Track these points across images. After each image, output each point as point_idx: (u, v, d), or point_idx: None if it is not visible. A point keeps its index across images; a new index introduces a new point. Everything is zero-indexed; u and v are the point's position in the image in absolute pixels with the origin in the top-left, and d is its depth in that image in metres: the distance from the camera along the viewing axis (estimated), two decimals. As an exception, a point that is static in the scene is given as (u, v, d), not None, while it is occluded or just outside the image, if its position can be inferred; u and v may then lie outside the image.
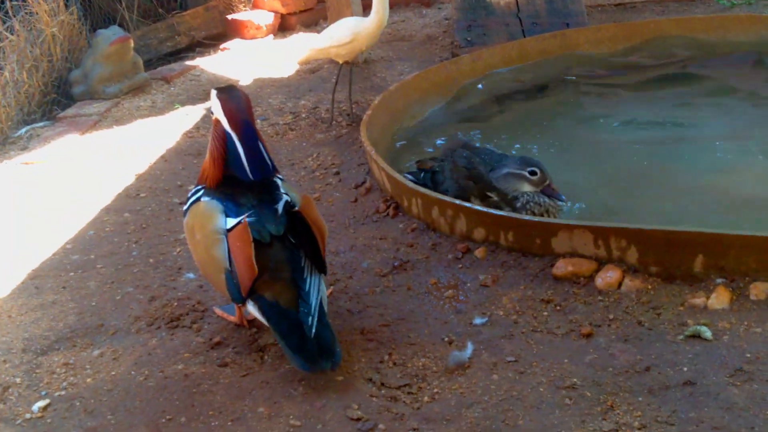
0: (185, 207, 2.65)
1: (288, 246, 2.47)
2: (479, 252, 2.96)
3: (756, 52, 4.60)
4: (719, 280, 2.59)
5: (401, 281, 2.90)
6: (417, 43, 5.71)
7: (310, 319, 2.34)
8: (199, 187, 2.61)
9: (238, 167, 2.55)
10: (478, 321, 2.62)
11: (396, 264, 3.00)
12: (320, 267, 2.49)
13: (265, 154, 2.57)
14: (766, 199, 3.21)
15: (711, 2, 5.78)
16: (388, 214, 3.34)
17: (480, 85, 4.55)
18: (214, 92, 2.62)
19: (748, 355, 2.30)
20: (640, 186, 3.40)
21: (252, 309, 2.47)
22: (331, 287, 2.88)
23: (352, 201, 3.53)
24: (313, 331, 2.33)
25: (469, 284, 2.82)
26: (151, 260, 3.23)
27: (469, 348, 2.48)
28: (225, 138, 2.56)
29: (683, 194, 3.30)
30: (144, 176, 4.04)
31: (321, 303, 2.41)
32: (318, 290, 2.42)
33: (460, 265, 2.93)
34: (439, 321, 2.65)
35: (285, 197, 2.55)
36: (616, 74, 4.67)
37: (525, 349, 2.46)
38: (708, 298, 2.54)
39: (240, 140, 2.54)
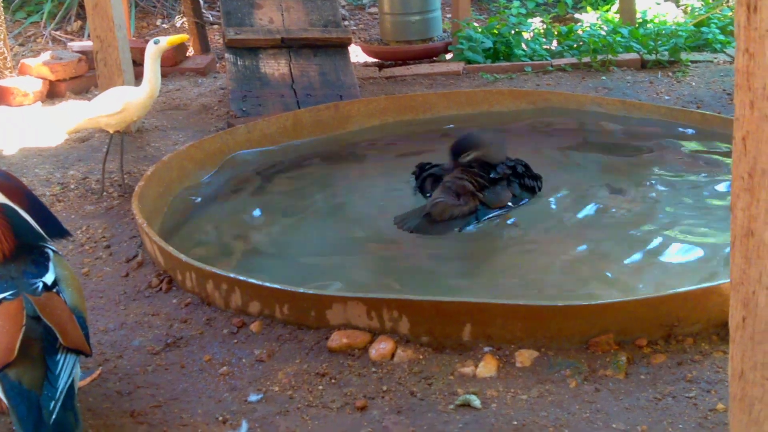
0: None
1: (43, 323, 2.32)
2: (255, 326, 2.92)
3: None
4: (487, 349, 2.66)
5: (174, 359, 2.80)
6: (192, 112, 5.65)
7: (52, 404, 2.20)
8: None
9: (30, 232, 2.47)
10: (253, 398, 2.56)
11: (169, 341, 2.90)
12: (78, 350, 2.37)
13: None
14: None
15: (476, 76, 6.05)
16: (161, 289, 3.24)
17: (255, 156, 4.54)
18: None
19: (515, 423, 2.37)
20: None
21: None
22: (100, 368, 2.74)
23: (123, 276, 3.40)
24: (54, 417, 2.19)
25: (244, 360, 2.76)
26: None
27: (244, 427, 2.42)
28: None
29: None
30: None
31: (72, 386, 2.28)
32: (70, 372, 2.28)
33: (236, 341, 2.87)
34: (213, 399, 2.57)
35: (47, 275, 2.42)
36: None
37: (300, 425, 2.43)
38: (477, 366, 2.60)
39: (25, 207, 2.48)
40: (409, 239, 3.55)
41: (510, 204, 3.70)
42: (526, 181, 3.77)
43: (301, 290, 2.90)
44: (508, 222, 3.66)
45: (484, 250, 3.53)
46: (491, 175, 3.70)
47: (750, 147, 1.50)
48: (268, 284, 2.95)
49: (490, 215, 3.65)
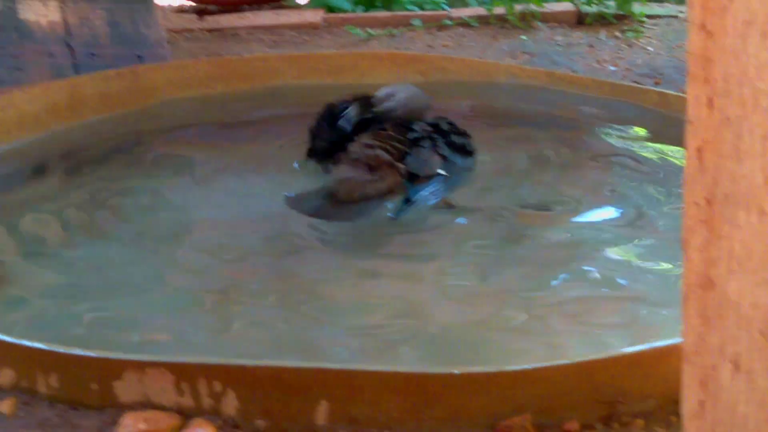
0: None
1: None
2: (6, 406, 2.87)
3: None
4: (351, 437, 2.70)
5: None
6: None
7: None
8: None
9: None
10: None
11: None
12: None
13: None
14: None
15: (341, 32, 6.10)
16: None
17: (11, 147, 4.49)
18: None
19: None
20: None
21: None
22: None
23: None
24: None
25: (-10, 459, 2.74)
26: None
27: None
28: None
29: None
30: None
31: None
32: None
33: (-24, 428, 2.84)
34: None
35: None
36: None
37: None
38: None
39: None
40: (295, 234, 3.64)
41: (441, 171, 3.77)
42: (453, 139, 3.88)
43: (78, 351, 2.85)
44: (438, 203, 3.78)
45: (416, 248, 3.67)
46: (409, 136, 3.78)
47: (708, 162, 1.51)
48: (26, 342, 2.90)
49: (424, 191, 3.69)
